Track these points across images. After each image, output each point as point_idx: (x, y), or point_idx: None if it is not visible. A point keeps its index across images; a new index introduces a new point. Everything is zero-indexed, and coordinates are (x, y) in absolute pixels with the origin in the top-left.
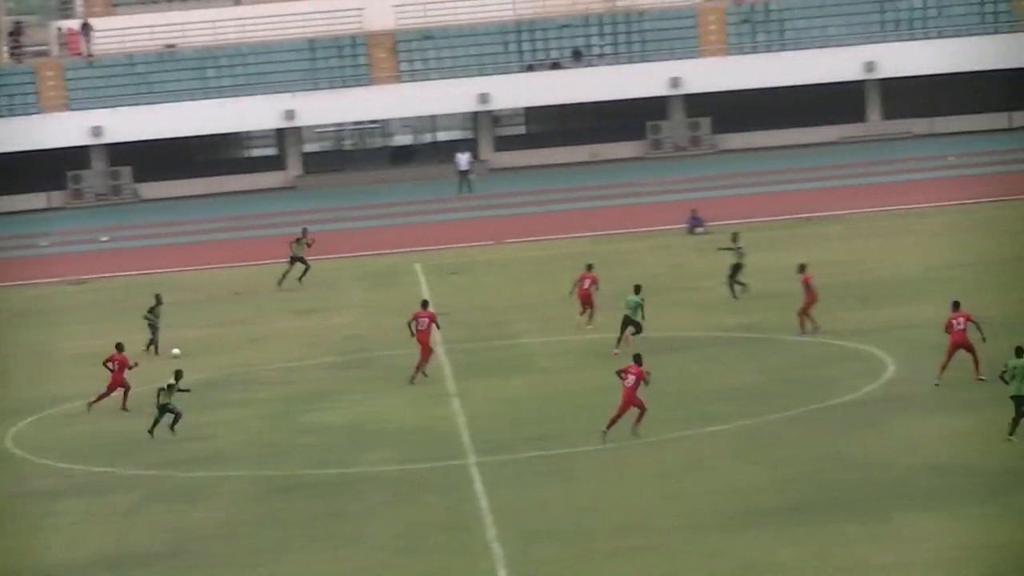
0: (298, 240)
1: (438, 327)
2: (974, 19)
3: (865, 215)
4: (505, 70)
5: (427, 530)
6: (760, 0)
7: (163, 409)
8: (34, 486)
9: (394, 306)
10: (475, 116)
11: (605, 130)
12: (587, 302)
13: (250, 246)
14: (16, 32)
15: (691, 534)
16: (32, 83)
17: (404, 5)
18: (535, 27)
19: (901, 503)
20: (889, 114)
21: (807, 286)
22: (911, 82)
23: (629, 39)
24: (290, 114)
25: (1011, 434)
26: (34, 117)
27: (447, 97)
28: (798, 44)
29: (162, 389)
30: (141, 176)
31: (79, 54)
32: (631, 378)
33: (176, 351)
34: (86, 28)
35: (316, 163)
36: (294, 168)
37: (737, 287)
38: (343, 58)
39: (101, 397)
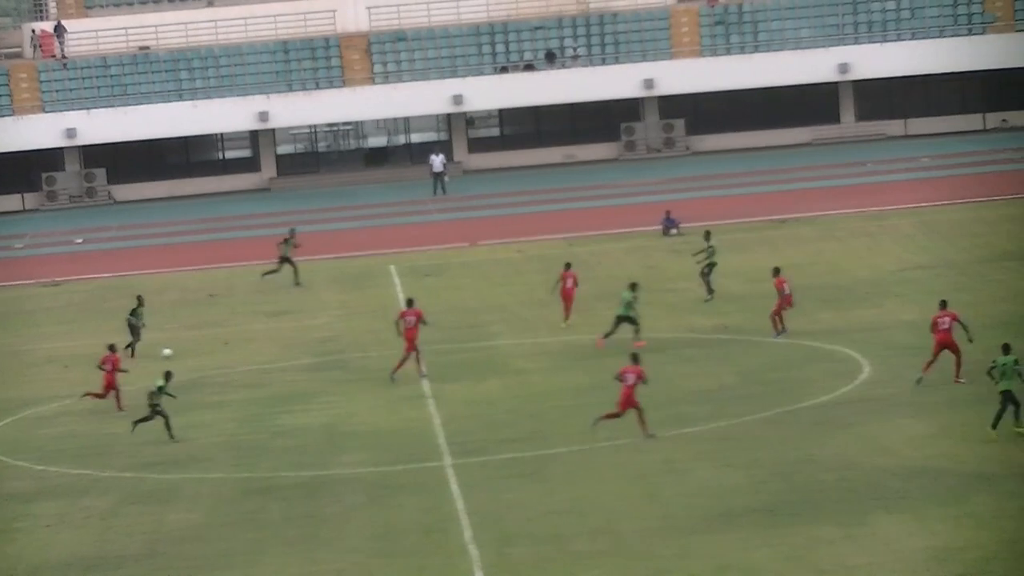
0: (285, 241)
1: (425, 324)
2: (947, 21)
3: (839, 216)
4: (479, 72)
5: (403, 532)
6: (733, 1)
7: (153, 410)
8: (9, 488)
9: (369, 308)
10: (449, 118)
11: (579, 132)
12: (570, 300)
13: (224, 248)
14: None
15: (666, 536)
16: (5, 85)
17: (377, 7)
18: (508, 29)
19: (876, 504)
20: (863, 115)
21: (780, 290)
22: (885, 83)
23: (603, 41)
24: (264, 116)
25: (994, 427)
26: (7, 119)
27: (421, 99)
28: (772, 46)
29: (153, 392)
30: (115, 178)
31: (53, 56)
32: (631, 377)
33: (167, 351)
34: (59, 30)
35: (290, 165)
36: (268, 170)
37: (708, 283)
38: (316, 60)
39: (97, 396)
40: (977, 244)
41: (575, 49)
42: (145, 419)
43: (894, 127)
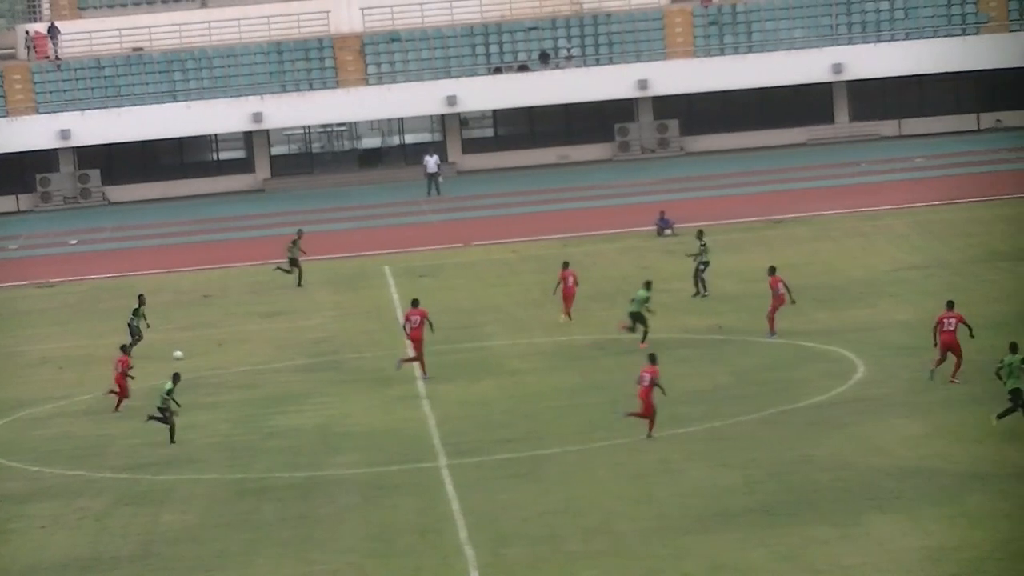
0: (294, 242)
1: (431, 324)
2: (941, 21)
3: (834, 217)
4: (472, 72)
5: (398, 533)
6: (727, 2)
7: (161, 412)
8: (4, 489)
9: (363, 309)
10: (443, 118)
11: (573, 132)
12: (571, 298)
13: (219, 249)
14: None
15: (661, 536)
16: None
17: (371, 8)
18: (502, 29)
19: (870, 504)
20: (857, 116)
21: (774, 289)
22: (879, 84)
23: (596, 41)
24: (258, 117)
25: (999, 418)
26: (1, 120)
27: (415, 100)
28: (765, 46)
29: (165, 396)
30: (109, 179)
31: (46, 57)
32: (646, 378)
33: (179, 353)
34: (53, 31)
35: (284, 166)
36: (262, 171)
37: (700, 285)
38: (310, 61)
39: (121, 400)
40: (971, 244)
41: (569, 50)
42: (158, 419)
43: (888, 127)
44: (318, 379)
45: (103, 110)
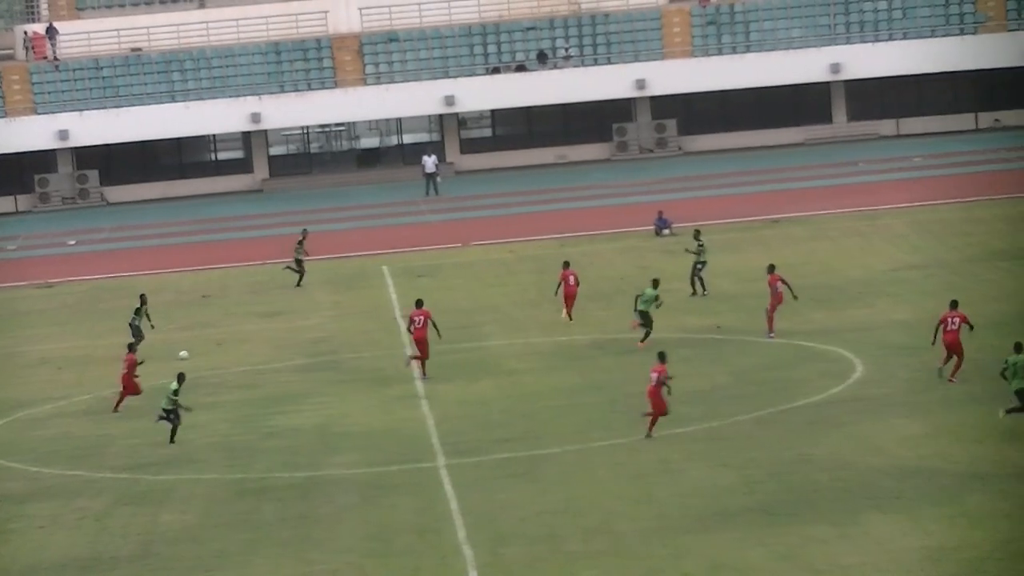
0: (300, 242)
1: (435, 327)
2: (939, 20)
3: (832, 216)
4: (470, 72)
5: (397, 533)
6: (725, 1)
7: (167, 413)
8: (3, 489)
9: (361, 309)
10: (441, 118)
11: (571, 132)
12: (572, 298)
13: (217, 249)
14: None
15: (660, 535)
16: None
17: (369, 8)
18: (500, 29)
19: (869, 504)
20: (855, 115)
21: (773, 287)
22: (877, 83)
23: (594, 41)
24: (256, 117)
25: (1008, 412)
26: (0, 121)
27: (413, 100)
28: (763, 46)
29: (172, 396)
30: (108, 179)
31: (45, 58)
32: (653, 377)
33: (184, 353)
34: (51, 31)
35: (282, 166)
36: (260, 171)
37: (699, 285)
38: (308, 61)
39: (134, 393)
40: (969, 243)
41: (567, 50)
42: (173, 428)
43: (886, 127)
44: (317, 379)
45: (101, 110)
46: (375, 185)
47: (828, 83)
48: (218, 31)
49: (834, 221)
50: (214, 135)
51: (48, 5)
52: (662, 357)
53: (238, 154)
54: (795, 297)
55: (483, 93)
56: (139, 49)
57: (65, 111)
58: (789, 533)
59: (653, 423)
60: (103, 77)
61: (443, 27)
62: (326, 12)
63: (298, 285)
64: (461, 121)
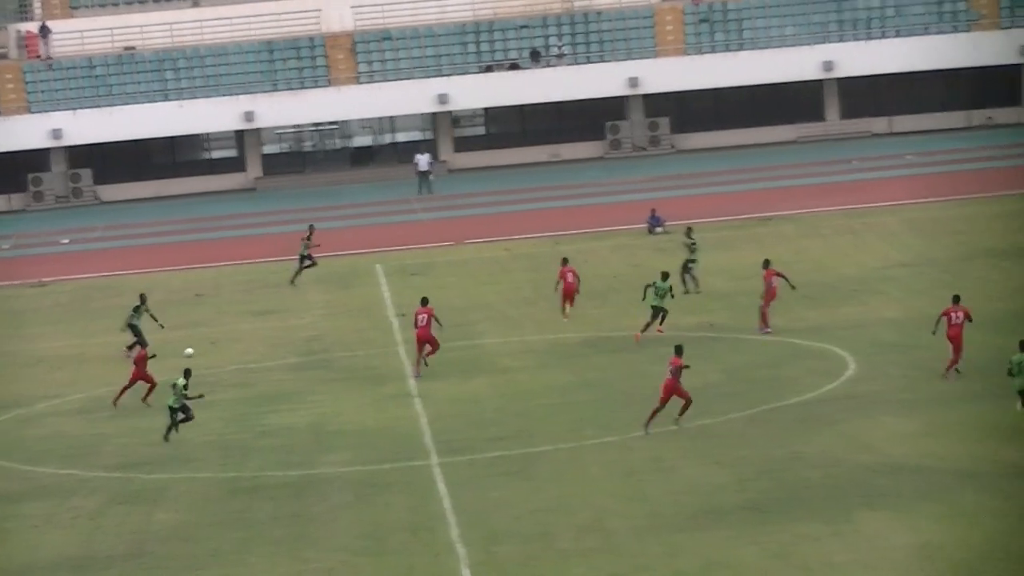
0: (307, 238)
1: (438, 322)
2: (932, 18)
3: (824, 214)
4: (464, 71)
5: (390, 531)
6: (718, 0)
7: (174, 411)
8: None
9: (355, 307)
10: (434, 117)
11: (564, 130)
12: (571, 294)
13: (211, 248)
14: None
15: (653, 533)
16: None
17: (362, 6)
18: (493, 28)
19: (861, 502)
20: (847, 113)
21: (768, 282)
22: (869, 81)
23: (587, 39)
24: (249, 116)
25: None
26: None
27: (406, 98)
28: (756, 44)
29: (174, 385)
30: (101, 178)
31: (38, 56)
32: (671, 368)
33: (189, 351)
34: (44, 30)
35: (276, 164)
36: (254, 170)
37: (690, 282)
38: (301, 59)
39: (150, 391)
40: (962, 241)
41: (560, 48)
42: (183, 420)
43: (878, 124)
44: (310, 377)
45: (95, 109)
46: (368, 183)
47: (821, 81)
48: (211, 30)
49: (826, 219)
50: (207, 134)
51: (41, 4)
52: (678, 350)
53: (231, 153)
54: (793, 287)
55: (476, 91)
56: (132, 48)
57: (58, 110)
58: (781, 531)
59: (653, 416)
60: (96, 76)
61: (436, 25)
62: (319, 10)
63: (291, 282)
64: (454, 119)
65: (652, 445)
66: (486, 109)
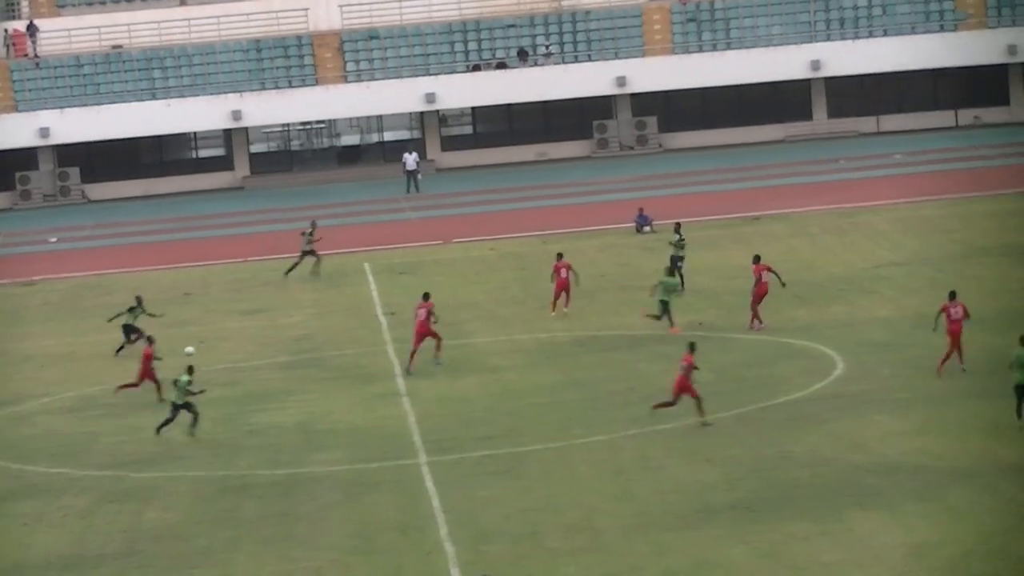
0: (308, 234)
1: (433, 317)
2: (919, 18)
3: (812, 213)
4: (451, 70)
5: (379, 530)
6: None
7: (177, 408)
8: None
9: (343, 306)
10: (422, 116)
11: (552, 129)
12: (565, 289)
13: (199, 246)
14: None
15: (642, 533)
16: None
17: (349, 5)
18: (481, 27)
19: (851, 501)
20: (835, 113)
21: (757, 277)
22: (857, 81)
23: (575, 38)
24: (237, 114)
25: (1020, 417)
26: None
27: (394, 97)
28: (743, 43)
29: (175, 381)
30: (89, 177)
31: (25, 55)
32: (683, 366)
33: (190, 349)
34: (32, 29)
35: (263, 163)
36: (241, 168)
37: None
38: (289, 58)
39: (159, 389)
40: (950, 240)
41: (547, 47)
42: (194, 417)
43: (866, 124)
44: (299, 376)
45: (82, 108)
46: (356, 182)
47: (808, 80)
48: (199, 28)
49: (815, 218)
50: (195, 132)
51: (28, 2)
52: (692, 347)
53: (219, 152)
54: (783, 284)
55: (464, 90)
56: (120, 46)
57: (46, 108)
58: (771, 530)
59: (700, 409)
60: (84, 75)
61: (424, 24)
62: (307, 9)
63: (285, 274)
64: (442, 118)
65: (640, 444)
66: (473, 108)
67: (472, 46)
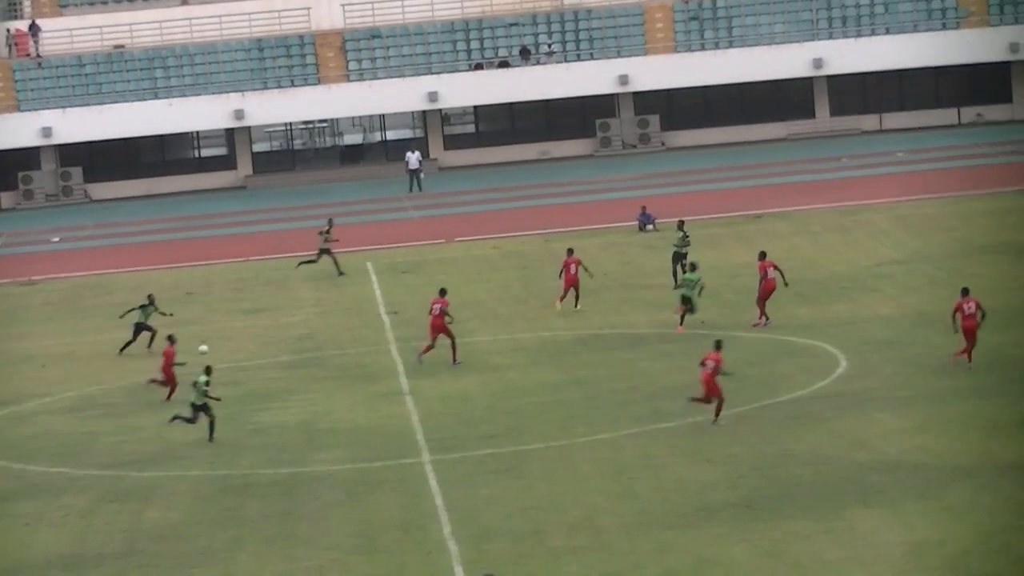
0: (325, 232)
1: (447, 313)
2: (922, 16)
3: (814, 211)
4: (454, 69)
5: (382, 529)
6: None
7: (196, 408)
8: None
9: (346, 305)
10: (424, 115)
11: (554, 128)
12: (574, 285)
13: (201, 246)
14: None
15: (644, 531)
16: None
17: (352, 4)
18: (483, 26)
19: (853, 499)
20: (837, 111)
21: (763, 275)
22: (859, 79)
23: (577, 37)
24: (239, 114)
25: None
26: None
27: (396, 96)
28: (746, 41)
29: (195, 383)
30: (91, 176)
31: (27, 55)
32: (709, 364)
33: (204, 348)
34: (34, 29)
35: (266, 163)
36: (244, 168)
37: (680, 274)
38: (291, 58)
39: (173, 390)
40: (952, 238)
41: (550, 46)
42: (211, 421)
43: (868, 122)
44: (301, 375)
45: (85, 108)
46: (358, 182)
47: (810, 78)
48: (201, 28)
49: (817, 216)
50: (197, 132)
51: (31, 2)
52: (718, 345)
53: (221, 151)
54: (786, 284)
55: (466, 89)
56: (122, 46)
57: (48, 108)
58: (772, 528)
59: (719, 409)
60: (86, 74)
61: (426, 23)
62: (309, 8)
63: (299, 265)
64: (444, 117)
65: (642, 443)
66: (476, 107)
67: (474, 45)
